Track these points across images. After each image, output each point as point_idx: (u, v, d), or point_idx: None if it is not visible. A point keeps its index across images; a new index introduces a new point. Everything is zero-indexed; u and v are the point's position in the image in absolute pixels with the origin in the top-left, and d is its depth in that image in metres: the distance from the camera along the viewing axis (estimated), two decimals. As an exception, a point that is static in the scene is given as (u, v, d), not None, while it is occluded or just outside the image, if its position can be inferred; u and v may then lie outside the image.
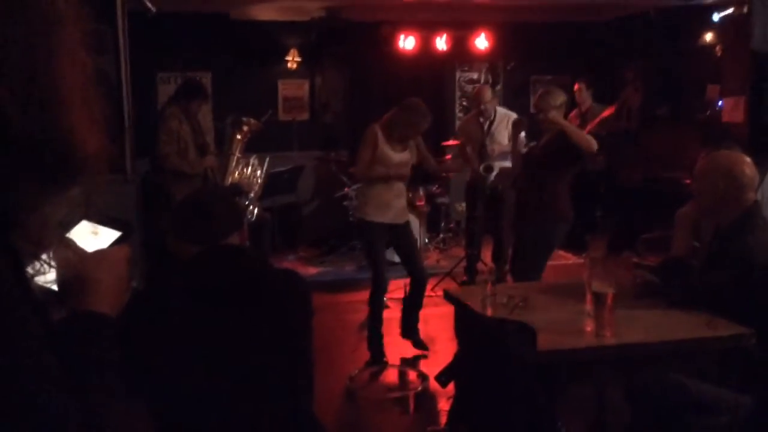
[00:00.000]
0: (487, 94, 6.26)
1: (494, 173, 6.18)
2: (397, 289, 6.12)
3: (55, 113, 0.79)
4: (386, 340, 4.78)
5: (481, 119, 6.23)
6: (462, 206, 7.17)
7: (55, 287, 0.97)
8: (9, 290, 0.74)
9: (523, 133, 5.09)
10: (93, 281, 0.98)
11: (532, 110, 6.25)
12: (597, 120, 7.49)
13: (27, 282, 0.82)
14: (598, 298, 2.62)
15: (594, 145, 4.39)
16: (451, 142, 7.56)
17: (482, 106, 6.17)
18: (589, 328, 2.68)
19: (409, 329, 4.84)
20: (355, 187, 7.69)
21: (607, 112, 7.67)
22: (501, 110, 6.43)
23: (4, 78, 0.74)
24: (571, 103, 7.57)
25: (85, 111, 0.83)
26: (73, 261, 0.98)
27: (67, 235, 1.00)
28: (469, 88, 9.35)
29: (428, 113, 4.58)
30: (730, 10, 6.80)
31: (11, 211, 0.79)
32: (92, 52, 0.86)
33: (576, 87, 7.70)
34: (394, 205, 4.63)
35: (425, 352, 4.80)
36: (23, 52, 0.76)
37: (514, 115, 6.28)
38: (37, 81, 0.77)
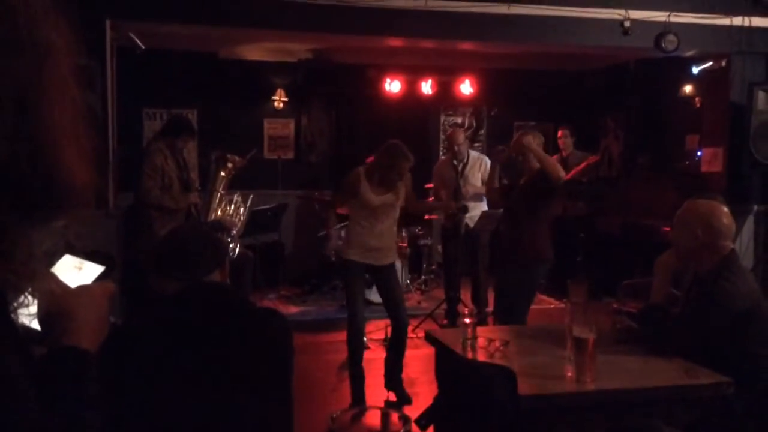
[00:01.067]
0: (461, 136, 6.37)
1: (469, 214, 6.23)
2: (378, 330, 6.10)
3: (44, 146, 0.79)
4: (368, 381, 4.73)
5: (455, 162, 6.31)
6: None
7: (37, 326, 0.96)
8: None
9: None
10: (74, 317, 0.97)
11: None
12: (581, 167, 7.60)
13: (9, 315, 0.81)
14: (579, 344, 2.63)
15: (561, 172, 4.53)
16: (431, 185, 7.63)
17: (456, 148, 6.26)
18: (569, 374, 2.67)
19: (393, 380, 4.75)
20: (338, 227, 7.69)
21: (591, 160, 7.78)
22: (473, 153, 6.59)
23: None
24: (554, 149, 7.71)
25: (74, 144, 0.84)
26: (56, 295, 0.98)
27: (52, 269, 1.00)
28: (453, 131, 9.47)
29: (409, 155, 4.59)
30: (709, 64, 6.98)
31: None
32: (81, 86, 0.87)
33: (559, 134, 7.85)
34: (373, 247, 4.61)
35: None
36: (13, 84, 0.77)
37: (485, 158, 6.41)
38: (27, 113, 0.78)
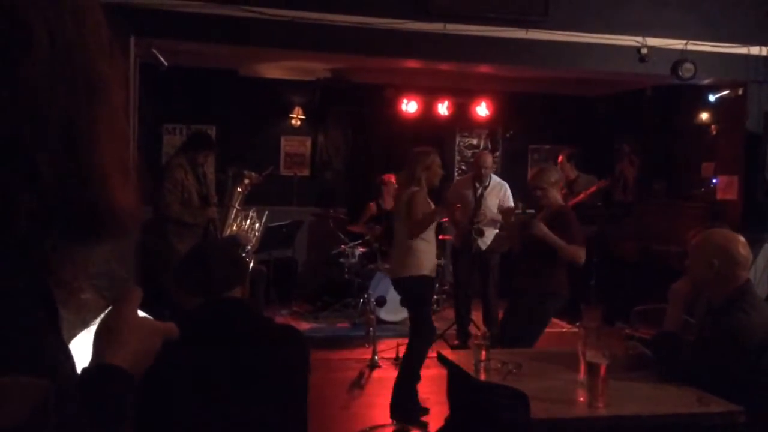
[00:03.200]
0: (489, 159, 6.41)
1: (483, 237, 6.24)
2: (389, 349, 6.13)
3: (92, 174, 0.83)
4: (378, 400, 4.75)
5: (477, 183, 6.34)
6: (457, 269, 7.21)
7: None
8: (47, 336, 0.78)
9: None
10: (129, 345, 1.00)
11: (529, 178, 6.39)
12: (590, 191, 7.57)
13: (61, 331, 0.85)
14: (592, 369, 2.64)
15: (581, 257, 4.49)
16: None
17: (483, 171, 6.28)
18: (581, 398, 2.69)
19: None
20: (351, 245, 7.74)
21: (601, 185, 7.76)
22: (495, 178, 6.57)
23: (43, 136, 0.79)
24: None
25: (120, 172, 0.87)
26: (122, 320, 1.01)
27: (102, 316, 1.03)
28: (468, 153, 9.53)
29: (428, 148, 4.97)
30: (725, 92, 7.00)
31: (46, 259, 0.83)
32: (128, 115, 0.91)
33: (559, 159, 7.82)
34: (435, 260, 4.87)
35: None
36: (65, 116, 0.80)
37: (505, 185, 6.43)
38: (76, 141, 0.82)
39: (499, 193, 6.41)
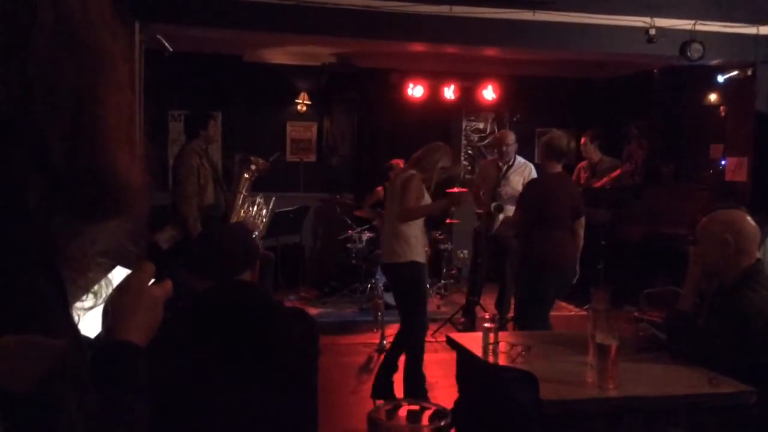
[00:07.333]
0: (510, 137, 6.39)
1: (503, 215, 6.22)
2: (398, 333, 6.12)
3: (100, 149, 0.83)
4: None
5: (500, 162, 6.35)
6: (464, 253, 7.21)
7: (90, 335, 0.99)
8: (56, 313, 0.77)
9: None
10: (134, 316, 1.00)
11: (536, 161, 6.36)
12: (613, 176, 7.50)
13: (69, 310, 0.84)
14: (602, 350, 2.63)
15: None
16: (455, 190, 7.63)
17: (504, 149, 6.27)
18: (591, 380, 2.68)
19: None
20: (359, 230, 7.74)
21: (626, 169, 7.73)
22: (521, 159, 6.50)
23: (50, 110, 0.78)
24: (578, 157, 7.68)
25: (128, 148, 0.87)
26: (122, 292, 1.01)
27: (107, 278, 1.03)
28: (475, 137, 9.51)
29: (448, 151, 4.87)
30: (734, 72, 6.94)
31: (54, 236, 0.82)
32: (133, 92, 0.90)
33: (582, 141, 7.78)
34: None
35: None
36: (71, 89, 0.80)
37: (531, 167, 6.39)
38: (82, 116, 0.81)
39: (523, 173, 6.35)
